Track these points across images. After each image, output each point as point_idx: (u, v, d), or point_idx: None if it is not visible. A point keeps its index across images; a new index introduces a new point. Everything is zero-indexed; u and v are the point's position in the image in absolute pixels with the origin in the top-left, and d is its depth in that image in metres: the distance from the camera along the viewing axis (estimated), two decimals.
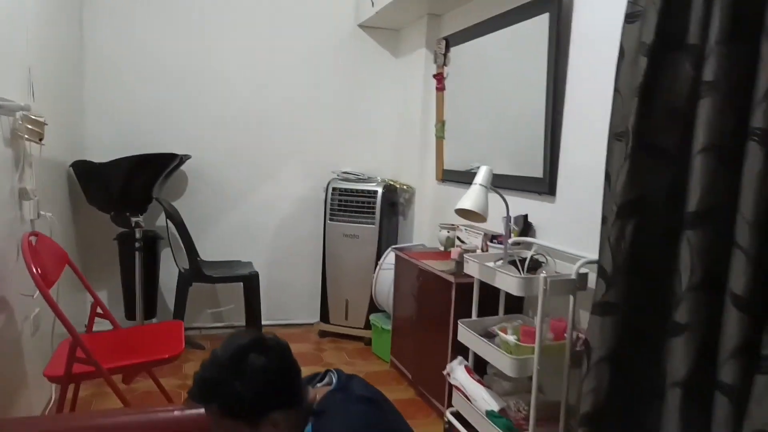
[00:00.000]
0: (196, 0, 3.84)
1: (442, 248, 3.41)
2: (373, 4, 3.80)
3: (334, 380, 1.37)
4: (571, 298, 2.23)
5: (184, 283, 3.59)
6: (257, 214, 4.14)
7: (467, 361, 2.70)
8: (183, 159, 3.67)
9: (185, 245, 3.57)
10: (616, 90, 1.88)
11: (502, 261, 2.47)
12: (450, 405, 2.75)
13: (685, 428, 1.70)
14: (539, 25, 2.64)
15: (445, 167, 3.72)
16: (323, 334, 4.07)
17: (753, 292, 1.53)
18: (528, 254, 2.37)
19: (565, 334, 2.26)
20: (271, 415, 1.22)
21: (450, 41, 3.56)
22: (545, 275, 2.17)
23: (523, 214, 2.79)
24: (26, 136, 2.31)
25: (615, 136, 1.90)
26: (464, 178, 3.36)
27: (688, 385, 1.69)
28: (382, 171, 4.27)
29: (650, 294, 1.85)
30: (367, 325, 3.90)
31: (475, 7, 3.32)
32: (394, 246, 3.77)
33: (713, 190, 1.63)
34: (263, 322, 3.85)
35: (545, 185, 2.66)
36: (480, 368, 2.68)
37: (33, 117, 2.32)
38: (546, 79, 2.61)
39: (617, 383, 1.90)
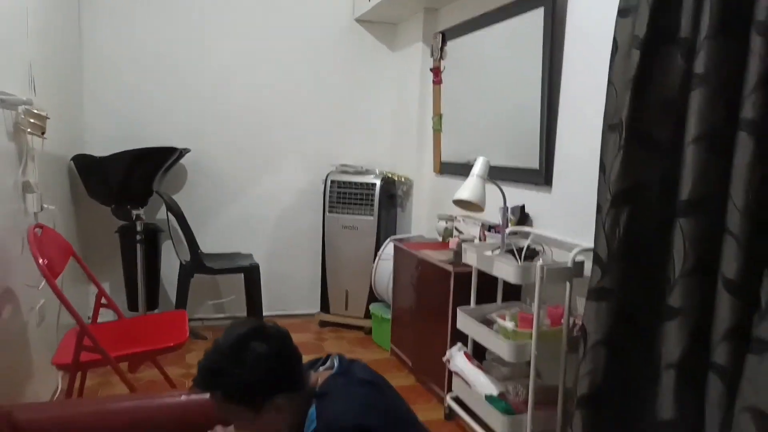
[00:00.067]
0: None
1: (440, 239, 3.47)
2: None
3: (336, 364, 1.40)
4: (568, 285, 2.29)
5: (185, 274, 3.64)
6: (257, 207, 4.18)
7: (466, 347, 2.76)
8: (182, 152, 3.71)
9: (186, 237, 3.61)
10: (610, 82, 1.93)
11: (499, 250, 2.52)
12: (450, 390, 2.81)
13: (680, 408, 1.76)
14: (534, 19, 2.69)
15: (442, 160, 3.77)
16: (324, 324, 4.13)
17: (744, 277, 1.59)
18: (525, 243, 2.42)
19: (562, 320, 2.31)
20: (274, 400, 1.26)
21: (446, 35, 3.60)
22: (542, 263, 2.23)
23: (520, 204, 2.84)
24: (29, 130, 2.34)
25: (609, 127, 1.95)
26: (462, 170, 3.40)
27: (682, 367, 1.75)
28: (380, 163, 4.31)
29: (644, 280, 1.91)
30: (367, 315, 3.96)
31: (471, 2, 3.36)
32: (392, 237, 3.83)
33: (705, 179, 1.69)
34: (264, 313, 3.91)
35: (541, 176, 2.71)
36: (479, 355, 2.73)
37: (35, 111, 2.35)
38: (541, 73, 2.66)
39: (613, 366, 1.96)
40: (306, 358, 1.39)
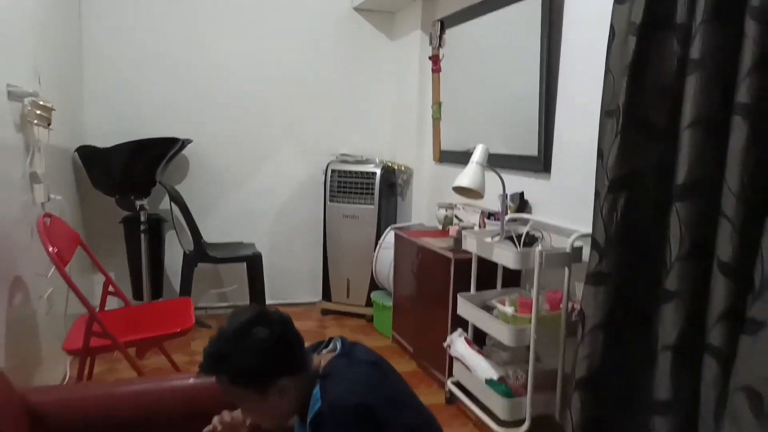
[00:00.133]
0: None
1: (440, 227, 3.50)
2: None
3: (339, 346, 1.43)
4: (566, 270, 2.32)
5: (189, 264, 3.68)
6: (258, 197, 4.21)
7: (466, 333, 2.80)
8: (184, 143, 3.73)
9: (189, 227, 3.65)
10: (608, 69, 1.95)
11: (499, 237, 2.55)
12: (451, 375, 2.85)
13: (676, 389, 1.80)
14: (533, 6, 2.71)
15: (442, 148, 3.79)
16: (326, 312, 4.17)
17: (739, 260, 1.62)
18: (524, 230, 2.46)
19: (561, 305, 2.35)
20: (279, 382, 1.29)
21: (445, 23, 3.62)
22: (541, 249, 2.26)
23: (519, 191, 2.87)
24: (36, 122, 2.37)
25: (606, 113, 1.98)
26: (461, 158, 3.42)
27: (678, 349, 1.79)
28: (380, 153, 4.34)
29: (641, 263, 1.94)
30: (369, 303, 4.01)
31: None
32: (393, 225, 3.86)
33: (700, 164, 1.72)
34: (267, 302, 3.95)
35: (540, 163, 2.74)
36: (479, 340, 2.77)
37: (41, 103, 2.38)
38: (540, 60, 2.68)
39: (611, 349, 2.00)
40: (308, 344, 1.42)
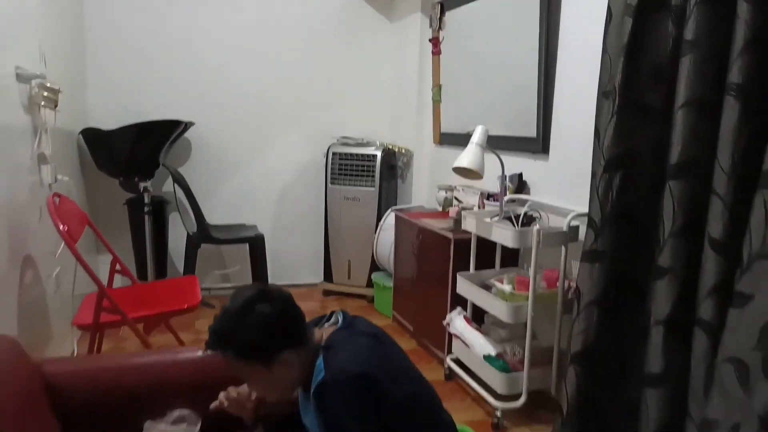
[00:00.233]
0: None
1: (440, 208, 3.55)
2: None
3: (340, 320, 1.48)
4: (563, 249, 2.38)
5: (192, 245, 3.73)
6: (260, 180, 4.26)
7: (465, 312, 2.86)
8: (187, 125, 3.77)
9: (192, 209, 3.70)
10: (605, 51, 1.99)
11: (498, 217, 2.60)
12: (450, 352, 2.92)
13: (667, 362, 1.86)
14: None
15: (442, 130, 3.83)
16: (327, 293, 4.24)
17: (729, 236, 1.66)
18: (522, 210, 2.51)
19: (557, 283, 2.41)
20: (282, 355, 1.33)
21: (445, 5, 3.63)
22: (538, 228, 2.31)
23: (518, 172, 2.92)
24: (43, 103, 2.41)
25: (603, 94, 2.01)
26: (461, 140, 3.44)
27: (670, 323, 1.84)
28: (381, 135, 4.37)
29: (635, 241, 1.99)
30: (369, 284, 4.07)
31: None
32: (393, 207, 3.91)
33: (694, 143, 1.76)
34: (269, 283, 4.01)
35: (538, 145, 2.78)
36: (478, 319, 2.84)
37: (48, 85, 2.42)
38: (539, 42, 2.71)
39: (605, 324, 2.05)
40: (310, 320, 1.47)
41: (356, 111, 4.41)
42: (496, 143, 2.74)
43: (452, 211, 3.15)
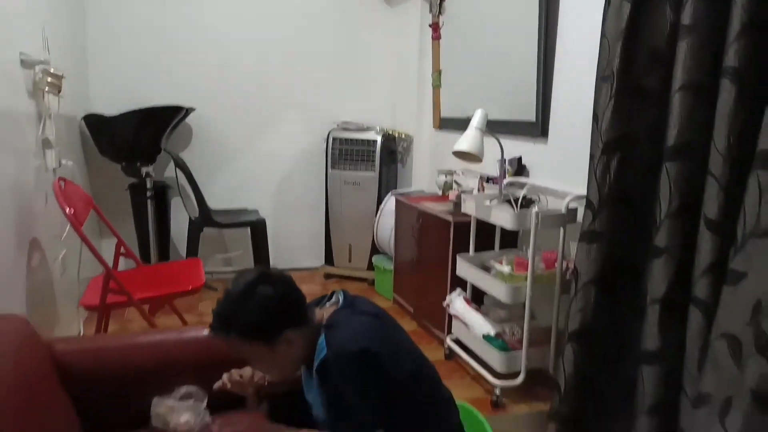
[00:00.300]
0: None
1: (440, 192, 3.58)
2: None
3: (341, 299, 1.52)
4: (561, 230, 2.41)
5: (195, 229, 3.77)
6: (261, 165, 4.28)
7: (465, 293, 2.90)
8: (188, 111, 3.79)
9: (194, 193, 3.73)
10: (603, 34, 2.00)
11: (497, 200, 2.64)
12: (450, 333, 2.97)
13: (663, 340, 1.90)
14: None
15: (442, 115, 3.85)
16: (328, 276, 4.29)
17: (724, 216, 1.70)
18: (521, 193, 2.54)
19: (556, 264, 2.45)
20: (285, 334, 1.37)
21: None
22: (537, 210, 2.35)
23: (517, 156, 2.95)
24: (47, 89, 2.43)
25: (602, 78, 2.04)
26: (461, 125, 3.45)
27: (666, 302, 1.88)
28: (381, 120, 4.39)
29: (633, 222, 2.03)
30: (370, 267, 4.12)
31: None
32: (394, 191, 3.94)
33: (690, 126, 1.78)
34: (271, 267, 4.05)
35: (538, 128, 2.80)
36: (477, 300, 2.88)
37: (52, 70, 2.44)
38: (538, 27, 2.73)
39: (602, 303, 2.09)
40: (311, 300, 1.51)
41: (356, 96, 4.42)
42: (495, 127, 2.77)
43: (452, 195, 3.18)
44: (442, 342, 3.07)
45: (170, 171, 3.93)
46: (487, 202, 2.62)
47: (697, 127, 1.78)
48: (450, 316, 2.93)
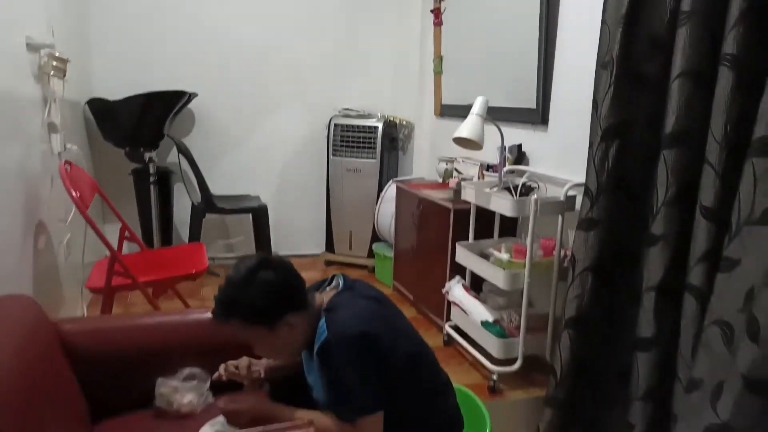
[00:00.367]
0: None
1: (440, 180, 3.59)
2: None
3: (341, 283, 1.55)
4: (560, 218, 2.44)
5: (197, 214, 3.79)
6: (263, 151, 4.30)
7: (464, 280, 2.93)
8: (191, 96, 3.80)
9: (197, 179, 3.75)
10: (604, 21, 2.01)
11: (497, 187, 2.66)
12: (449, 320, 3.01)
13: (658, 326, 1.93)
14: None
15: (443, 102, 3.86)
16: (329, 263, 4.32)
17: (720, 204, 1.72)
18: (521, 181, 2.56)
19: (554, 252, 2.47)
20: (286, 318, 1.40)
21: None
22: (536, 198, 2.37)
23: (517, 143, 2.96)
24: (52, 73, 2.45)
25: (602, 65, 2.05)
26: (462, 112, 3.46)
27: (662, 289, 1.90)
28: (382, 107, 4.39)
29: (630, 209, 2.04)
30: (371, 254, 4.15)
31: None
32: (394, 179, 3.96)
33: (688, 113, 1.79)
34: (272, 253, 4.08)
35: (538, 116, 2.81)
36: (476, 287, 2.91)
37: (57, 54, 2.46)
38: (539, 14, 2.73)
39: (599, 290, 2.12)
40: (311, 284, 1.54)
41: (358, 83, 4.43)
42: (496, 114, 2.78)
43: (452, 182, 3.20)
44: (441, 328, 3.10)
45: (173, 156, 3.96)
46: (487, 190, 2.63)
47: (695, 115, 1.78)
48: (449, 303, 2.96)
